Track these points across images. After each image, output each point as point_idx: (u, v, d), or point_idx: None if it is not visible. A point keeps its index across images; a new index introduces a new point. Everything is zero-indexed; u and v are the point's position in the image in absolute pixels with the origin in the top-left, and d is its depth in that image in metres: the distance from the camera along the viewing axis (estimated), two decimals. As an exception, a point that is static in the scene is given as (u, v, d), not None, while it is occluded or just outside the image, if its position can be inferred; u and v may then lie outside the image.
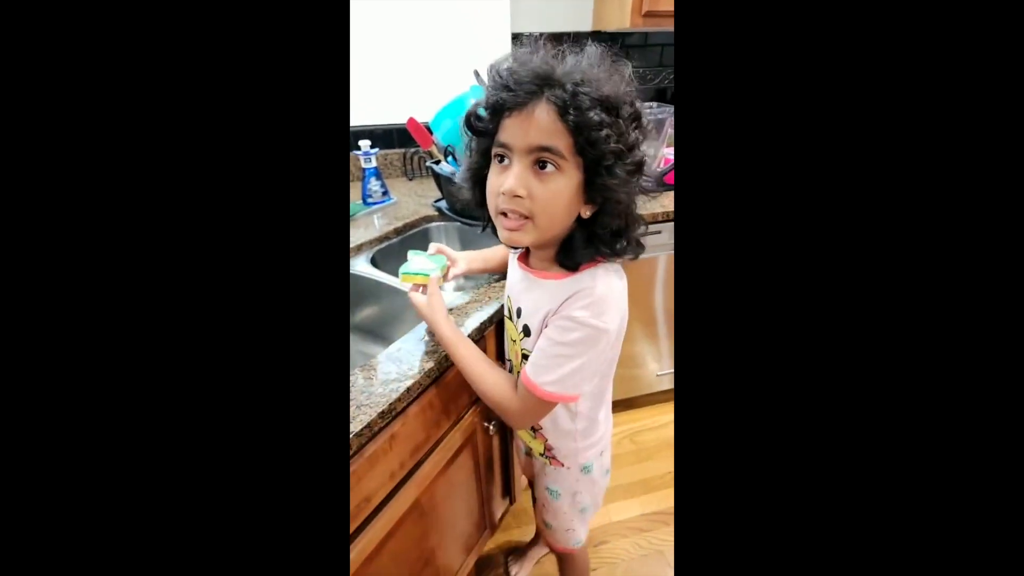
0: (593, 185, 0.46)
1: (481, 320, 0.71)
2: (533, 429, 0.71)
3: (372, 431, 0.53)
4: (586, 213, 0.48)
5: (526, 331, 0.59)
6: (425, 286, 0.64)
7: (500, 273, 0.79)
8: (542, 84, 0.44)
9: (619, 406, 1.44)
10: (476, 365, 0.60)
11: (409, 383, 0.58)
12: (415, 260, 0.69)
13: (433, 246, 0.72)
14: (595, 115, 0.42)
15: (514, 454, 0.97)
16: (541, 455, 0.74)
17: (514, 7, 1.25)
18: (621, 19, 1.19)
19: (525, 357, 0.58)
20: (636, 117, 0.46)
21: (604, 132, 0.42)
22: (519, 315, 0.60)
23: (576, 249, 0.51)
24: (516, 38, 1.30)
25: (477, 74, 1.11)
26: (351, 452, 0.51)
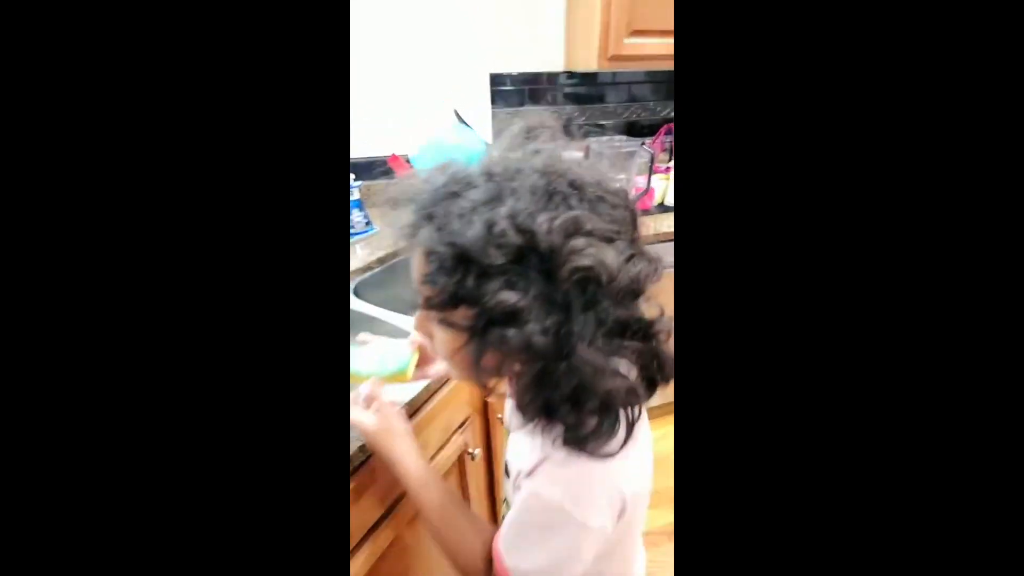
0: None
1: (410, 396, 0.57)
2: None
3: (353, 464, 0.54)
4: (513, 368, 0.34)
5: (506, 469, 0.45)
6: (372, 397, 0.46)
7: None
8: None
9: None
10: (449, 523, 0.44)
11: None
12: (364, 354, 0.49)
13: (404, 341, 0.53)
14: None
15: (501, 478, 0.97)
16: None
17: (493, 47, 1.32)
18: (588, 61, 1.27)
19: (506, 502, 0.47)
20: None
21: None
22: (508, 437, 0.45)
23: (523, 408, 0.35)
24: (494, 79, 1.36)
25: (457, 114, 1.17)
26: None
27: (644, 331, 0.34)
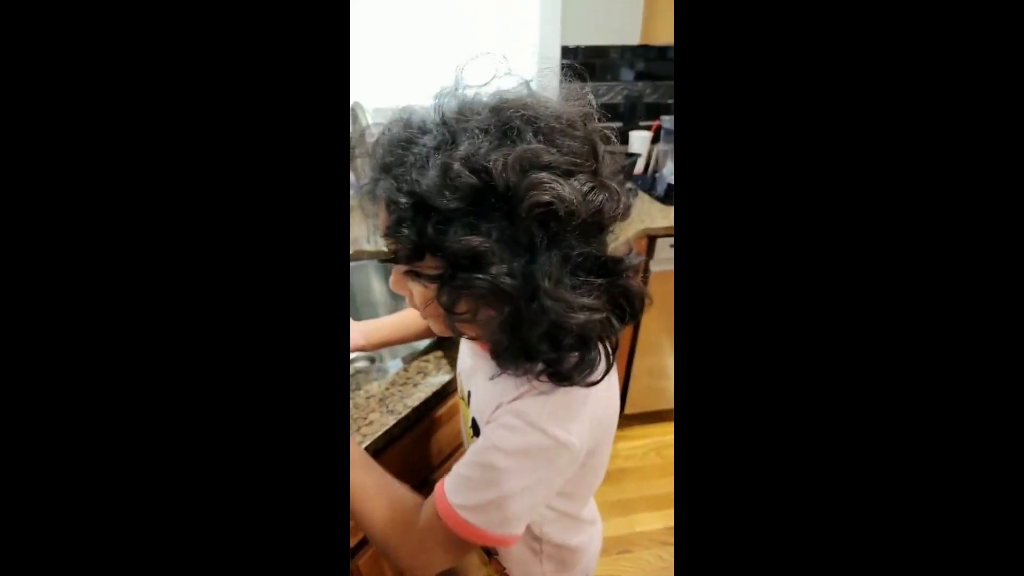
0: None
1: (418, 400, 0.55)
2: (487, 552, 0.53)
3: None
4: (486, 314, 0.34)
5: (475, 428, 0.43)
6: None
7: (430, 339, 0.62)
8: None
9: (645, 419, 1.43)
10: (361, 482, 0.39)
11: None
12: None
13: None
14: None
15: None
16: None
17: (565, 18, 1.29)
18: (667, 34, 1.21)
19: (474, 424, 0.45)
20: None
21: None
22: (469, 401, 0.45)
23: (500, 354, 0.35)
24: (566, 51, 1.33)
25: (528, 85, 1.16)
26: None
27: (611, 267, 0.33)
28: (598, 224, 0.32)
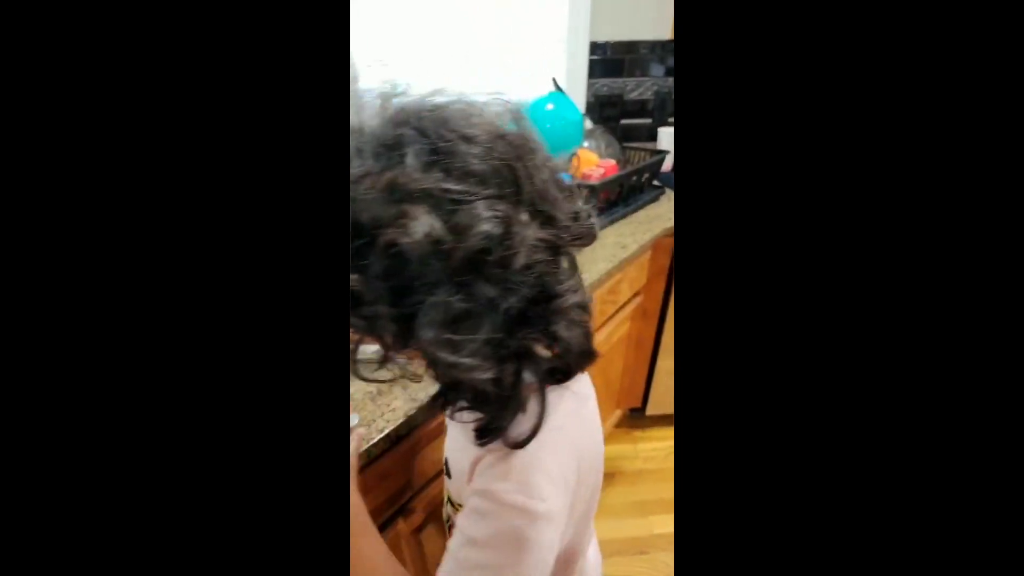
0: None
1: (411, 411, 0.54)
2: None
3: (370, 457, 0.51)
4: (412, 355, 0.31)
5: (447, 469, 0.42)
6: None
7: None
8: None
9: (667, 421, 1.41)
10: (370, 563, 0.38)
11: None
12: None
13: None
14: None
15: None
16: None
17: (595, 11, 1.27)
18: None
19: (450, 501, 0.44)
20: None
21: None
22: (447, 470, 0.43)
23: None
24: (595, 46, 1.32)
25: (555, 82, 1.15)
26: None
27: (518, 314, 0.27)
28: (501, 264, 0.26)
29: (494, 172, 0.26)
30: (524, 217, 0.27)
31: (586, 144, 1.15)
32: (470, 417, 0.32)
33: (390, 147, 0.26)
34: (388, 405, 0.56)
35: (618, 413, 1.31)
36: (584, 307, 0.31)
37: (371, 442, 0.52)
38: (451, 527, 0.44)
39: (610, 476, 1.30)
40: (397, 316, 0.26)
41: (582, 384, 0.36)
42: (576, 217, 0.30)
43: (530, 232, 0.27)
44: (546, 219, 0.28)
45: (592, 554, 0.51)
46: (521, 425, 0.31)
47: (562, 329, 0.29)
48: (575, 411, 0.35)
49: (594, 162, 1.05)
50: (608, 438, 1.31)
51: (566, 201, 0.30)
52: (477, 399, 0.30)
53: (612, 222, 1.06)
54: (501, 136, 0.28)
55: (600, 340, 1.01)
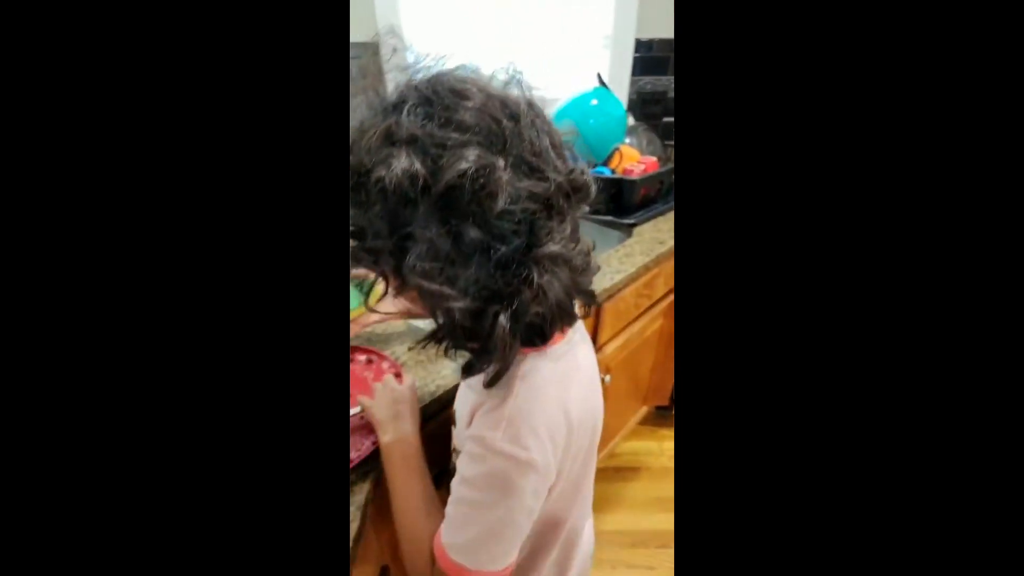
0: None
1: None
2: None
3: None
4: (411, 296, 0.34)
5: (453, 419, 0.46)
6: (399, 375, 0.50)
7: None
8: None
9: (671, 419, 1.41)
10: (407, 500, 0.42)
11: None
12: None
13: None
14: None
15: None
16: None
17: (641, 9, 1.27)
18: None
19: (454, 450, 0.47)
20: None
21: None
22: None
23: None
24: (640, 44, 1.32)
25: (599, 77, 1.17)
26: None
27: (501, 254, 0.30)
28: (480, 203, 0.28)
29: (482, 126, 0.29)
30: (503, 164, 0.29)
31: (628, 140, 1.16)
32: (459, 356, 0.36)
33: (394, 105, 0.30)
34: (439, 372, 0.61)
35: (644, 410, 1.32)
36: (570, 264, 0.33)
37: (423, 403, 0.55)
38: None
39: (635, 472, 1.31)
40: (394, 250, 0.30)
41: (577, 354, 0.40)
42: (571, 173, 0.32)
43: (510, 179, 0.29)
44: (534, 171, 0.30)
45: (587, 536, 0.52)
46: (497, 369, 0.34)
47: (543, 279, 0.31)
48: (563, 375, 0.38)
49: (635, 158, 1.07)
50: (633, 435, 1.32)
51: (559, 160, 0.32)
52: (461, 336, 0.33)
53: (651, 218, 1.07)
54: (496, 97, 0.31)
55: (632, 334, 1.02)
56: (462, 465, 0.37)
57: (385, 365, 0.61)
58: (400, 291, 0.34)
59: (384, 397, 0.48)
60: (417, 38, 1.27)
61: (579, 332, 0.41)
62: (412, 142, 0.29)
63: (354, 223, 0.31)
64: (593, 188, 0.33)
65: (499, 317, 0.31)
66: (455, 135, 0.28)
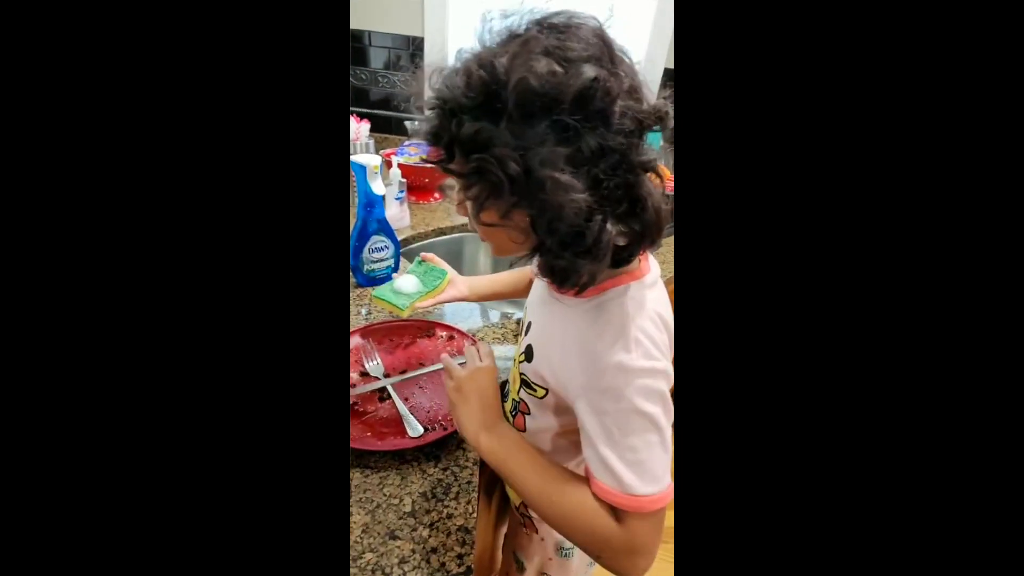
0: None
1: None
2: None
3: None
4: (519, 219, 0.36)
5: (528, 354, 0.48)
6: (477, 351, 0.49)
7: (515, 299, 0.68)
8: None
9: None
10: (546, 486, 0.41)
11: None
12: (405, 280, 0.62)
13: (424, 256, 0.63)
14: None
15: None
16: (517, 509, 0.60)
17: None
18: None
19: (525, 383, 0.48)
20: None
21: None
22: (527, 331, 0.50)
23: (541, 269, 0.39)
24: (668, 73, 1.41)
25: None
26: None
27: (618, 162, 0.33)
28: (602, 112, 0.32)
29: (594, 50, 0.34)
30: (617, 81, 0.33)
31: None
32: (556, 263, 0.37)
33: (518, 34, 0.35)
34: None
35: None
36: (662, 191, 0.37)
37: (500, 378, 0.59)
38: (517, 413, 0.51)
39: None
40: (520, 155, 0.32)
41: (661, 284, 0.44)
42: (657, 107, 0.36)
43: (621, 95, 0.33)
44: (631, 93, 0.34)
45: None
46: (591, 274, 0.36)
47: (642, 190, 0.35)
48: (659, 298, 0.42)
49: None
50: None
51: (646, 90, 0.37)
52: (567, 239, 0.34)
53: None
54: (598, 27, 0.36)
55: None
56: (604, 403, 0.38)
57: (467, 342, 0.66)
58: (511, 210, 0.35)
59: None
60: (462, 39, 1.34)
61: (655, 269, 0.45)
62: (548, 53, 0.32)
63: (476, 136, 0.33)
64: (671, 120, 0.36)
65: (607, 222, 0.34)
66: (579, 50, 0.33)
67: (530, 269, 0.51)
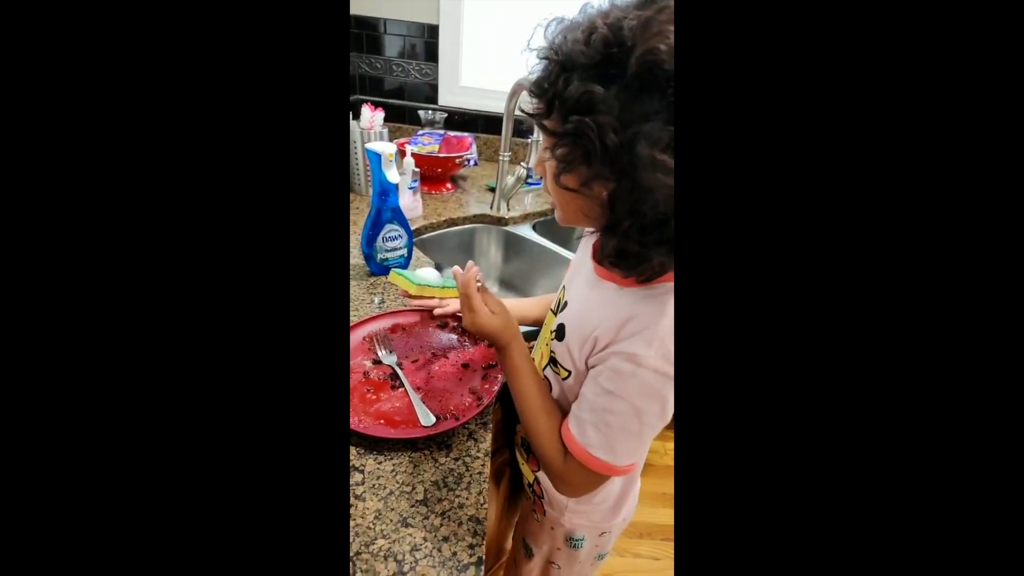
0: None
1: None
2: (527, 448, 0.58)
3: None
4: (598, 191, 0.35)
5: (559, 332, 0.48)
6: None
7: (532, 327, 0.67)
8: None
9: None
10: (533, 401, 0.47)
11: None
12: (428, 273, 0.66)
13: (448, 271, 0.63)
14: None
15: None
16: (529, 486, 0.62)
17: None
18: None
19: (552, 361, 0.50)
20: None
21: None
22: (562, 309, 0.50)
23: (603, 248, 0.38)
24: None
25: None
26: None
27: None
28: None
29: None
30: None
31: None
32: (628, 247, 0.36)
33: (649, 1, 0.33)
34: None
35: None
36: None
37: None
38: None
39: (643, 469, 1.36)
40: (625, 128, 0.31)
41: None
42: None
43: None
44: None
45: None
46: (662, 265, 0.36)
47: None
48: None
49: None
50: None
51: None
52: (649, 225, 0.33)
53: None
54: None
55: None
56: (606, 379, 0.40)
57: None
58: (593, 180, 0.34)
59: (493, 307, 0.49)
60: (478, 27, 1.32)
61: None
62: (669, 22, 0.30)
63: (583, 97, 0.31)
64: None
65: None
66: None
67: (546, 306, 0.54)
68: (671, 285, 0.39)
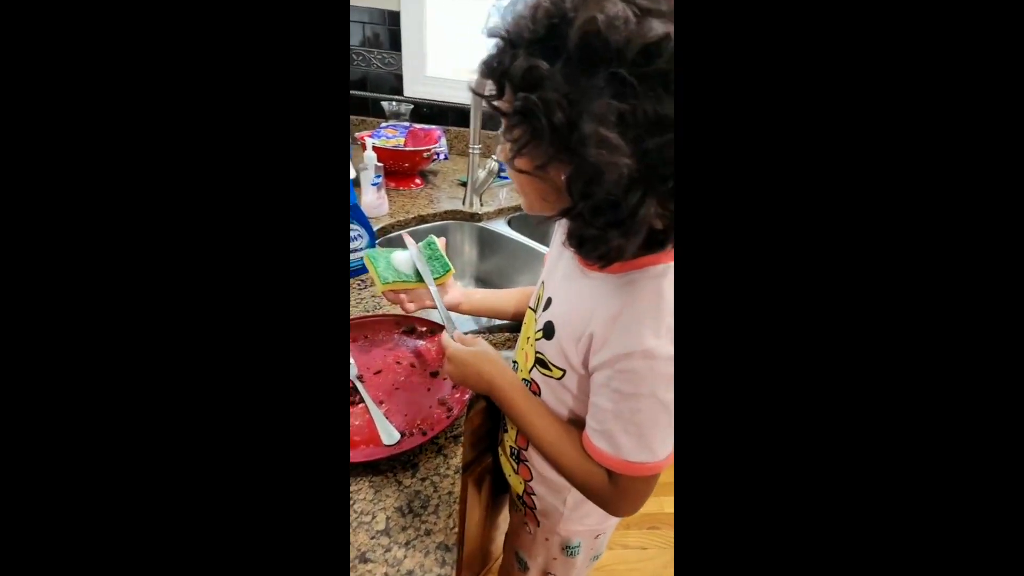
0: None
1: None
2: (517, 457, 0.56)
3: None
4: (555, 175, 0.33)
5: (547, 331, 0.46)
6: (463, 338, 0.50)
7: (506, 322, 0.64)
8: None
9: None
10: (558, 446, 0.45)
11: None
12: (401, 255, 0.58)
13: (433, 240, 0.60)
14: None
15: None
16: (519, 498, 0.59)
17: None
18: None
19: (540, 363, 0.47)
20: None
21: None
22: (546, 307, 0.47)
23: (571, 235, 0.37)
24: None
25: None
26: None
27: (664, 144, 0.29)
28: (664, 76, 0.28)
29: (667, 7, 0.30)
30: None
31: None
32: (585, 231, 0.35)
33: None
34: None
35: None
36: None
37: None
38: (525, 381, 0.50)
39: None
40: (569, 104, 0.29)
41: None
42: None
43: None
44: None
45: None
46: (620, 247, 0.34)
47: None
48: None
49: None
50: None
51: None
52: (602, 207, 0.32)
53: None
54: None
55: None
56: (618, 383, 0.38)
57: (443, 334, 0.61)
58: (548, 162, 0.32)
59: (469, 348, 0.48)
60: (440, 13, 1.26)
61: None
62: (628, 3, 0.29)
63: (528, 74, 0.30)
64: None
65: (647, 197, 0.31)
66: (649, 3, 0.29)
67: (522, 298, 0.53)
68: (658, 268, 0.38)
